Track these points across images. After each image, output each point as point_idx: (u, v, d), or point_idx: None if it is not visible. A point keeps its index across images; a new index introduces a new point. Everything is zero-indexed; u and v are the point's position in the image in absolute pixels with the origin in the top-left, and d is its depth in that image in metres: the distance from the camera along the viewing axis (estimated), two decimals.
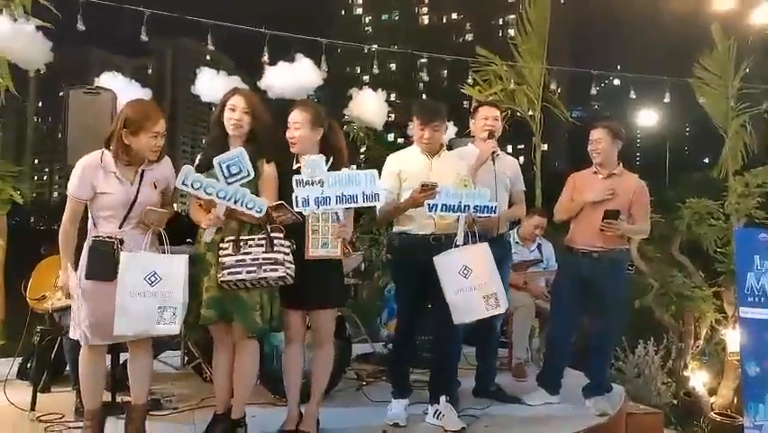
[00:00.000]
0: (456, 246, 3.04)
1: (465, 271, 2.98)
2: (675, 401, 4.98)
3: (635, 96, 6.80)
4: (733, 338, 5.01)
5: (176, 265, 2.63)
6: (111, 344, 2.85)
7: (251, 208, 2.66)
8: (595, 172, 3.65)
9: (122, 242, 2.64)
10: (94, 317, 2.62)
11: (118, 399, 3.15)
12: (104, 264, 2.60)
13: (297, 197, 2.74)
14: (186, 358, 4.04)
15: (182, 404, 3.38)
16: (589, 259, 3.52)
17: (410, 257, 3.22)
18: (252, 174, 2.67)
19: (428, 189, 3.00)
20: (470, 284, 2.98)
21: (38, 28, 4.08)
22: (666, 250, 5.71)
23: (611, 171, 3.59)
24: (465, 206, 3.02)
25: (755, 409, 3.54)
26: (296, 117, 2.93)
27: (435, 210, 3.02)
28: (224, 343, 2.86)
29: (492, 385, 3.73)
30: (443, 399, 3.20)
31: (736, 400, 5.07)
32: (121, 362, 3.20)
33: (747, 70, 6.19)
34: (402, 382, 3.36)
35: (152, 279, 2.58)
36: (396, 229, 3.31)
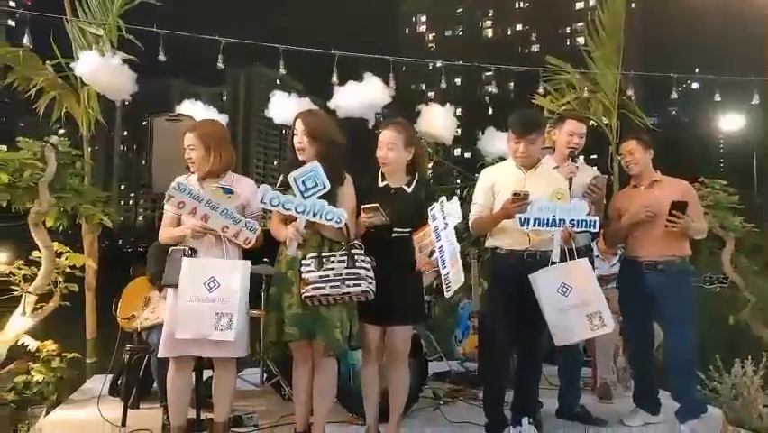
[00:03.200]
0: (552, 263, 2.91)
1: (564, 289, 2.86)
2: None
3: (719, 99, 6.44)
4: None
5: (235, 272, 2.68)
6: (195, 362, 2.95)
7: (330, 219, 2.68)
8: (635, 186, 3.52)
9: (194, 250, 2.74)
10: (167, 327, 2.73)
11: (202, 415, 3.22)
12: (176, 271, 2.71)
13: None
14: (265, 375, 4.11)
15: (263, 421, 3.41)
16: (654, 271, 3.36)
17: (504, 274, 3.10)
18: (329, 186, 2.70)
19: (520, 199, 2.87)
20: (570, 303, 2.86)
21: (123, 61, 4.32)
22: (762, 261, 5.31)
23: (651, 180, 3.46)
24: (560, 220, 2.89)
25: None
26: (389, 138, 2.93)
27: (527, 225, 2.88)
28: (304, 360, 2.89)
29: (577, 406, 3.57)
30: (525, 420, 3.09)
31: None
32: (204, 379, 3.28)
33: None
34: (498, 418, 3.17)
35: (211, 285, 2.65)
36: (488, 244, 3.20)
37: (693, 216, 3.34)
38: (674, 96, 6.41)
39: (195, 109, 4.24)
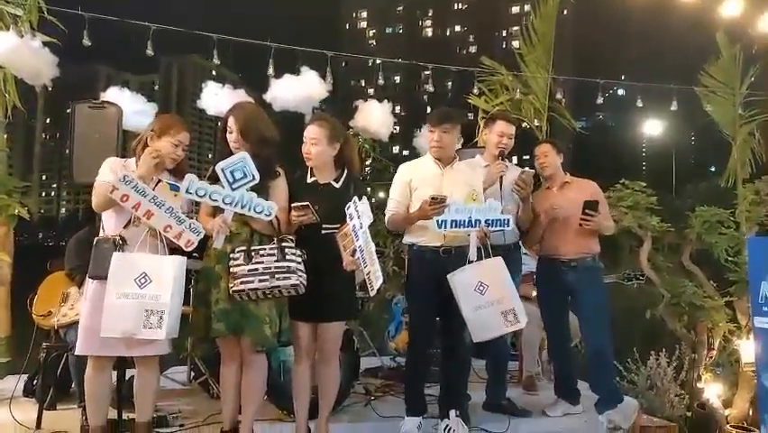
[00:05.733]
0: (469, 262, 2.98)
1: (481, 288, 2.95)
2: (689, 414, 4.88)
3: (641, 105, 6.78)
4: (747, 349, 4.92)
5: (167, 267, 2.59)
6: (117, 360, 2.83)
7: (259, 212, 2.64)
8: (548, 187, 3.70)
9: (123, 240, 2.63)
10: (86, 322, 2.60)
11: (124, 416, 3.10)
12: (104, 263, 2.58)
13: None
14: (192, 374, 4.01)
15: (188, 421, 3.31)
16: (569, 268, 3.53)
17: (421, 270, 3.17)
18: (258, 177, 2.66)
19: (437, 203, 2.94)
20: (487, 300, 2.94)
21: (44, 44, 4.09)
22: (676, 259, 5.64)
23: (563, 181, 3.65)
24: (476, 220, 2.97)
25: None
26: (313, 133, 2.91)
27: (445, 227, 2.97)
28: (232, 357, 2.83)
29: (503, 399, 3.67)
30: (452, 413, 3.14)
31: (751, 412, 4.97)
32: (127, 378, 3.16)
33: (753, 79, 6.14)
34: (416, 400, 3.28)
35: (142, 280, 2.55)
36: (406, 240, 3.26)
37: (602, 213, 3.52)
38: (600, 101, 6.70)
39: (121, 97, 4.08)
